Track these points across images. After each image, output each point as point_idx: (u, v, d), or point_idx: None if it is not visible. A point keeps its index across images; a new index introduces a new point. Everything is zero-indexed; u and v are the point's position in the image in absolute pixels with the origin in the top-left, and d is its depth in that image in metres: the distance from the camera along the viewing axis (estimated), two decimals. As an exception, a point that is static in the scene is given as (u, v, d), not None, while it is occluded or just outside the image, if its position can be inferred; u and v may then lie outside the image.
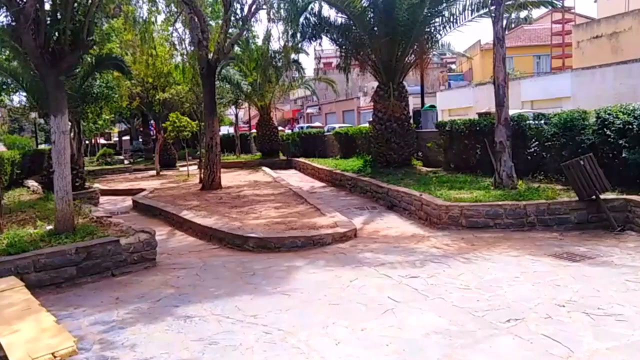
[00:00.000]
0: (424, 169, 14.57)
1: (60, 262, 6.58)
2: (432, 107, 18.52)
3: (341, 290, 5.93)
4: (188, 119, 19.56)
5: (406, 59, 14.20)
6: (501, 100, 10.06)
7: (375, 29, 13.81)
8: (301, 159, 22.37)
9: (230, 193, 14.04)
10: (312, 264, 7.15)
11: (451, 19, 13.35)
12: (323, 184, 16.94)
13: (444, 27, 13.60)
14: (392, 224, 9.76)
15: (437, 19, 13.54)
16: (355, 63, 16.05)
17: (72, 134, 26.22)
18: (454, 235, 8.42)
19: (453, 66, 54.44)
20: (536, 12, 63.12)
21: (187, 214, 10.52)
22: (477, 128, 12.76)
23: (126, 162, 34.28)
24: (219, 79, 24.27)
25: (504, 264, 6.70)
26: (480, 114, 13.79)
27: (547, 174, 11.06)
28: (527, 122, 11.56)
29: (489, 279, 6.12)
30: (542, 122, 11.24)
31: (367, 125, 25.39)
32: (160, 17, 19.27)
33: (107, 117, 33.67)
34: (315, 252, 7.74)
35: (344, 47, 15.33)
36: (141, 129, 39.59)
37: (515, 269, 6.42)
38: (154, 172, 23.67)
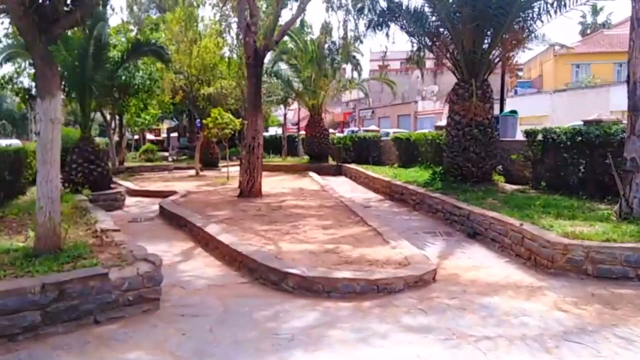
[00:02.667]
0: (507, 186, 11.98)
1: (16, 304, 4.53)
2: (514, 112, 15.80)
3: (433, 394, 3.61)
4: (231, 116, 17.63)
5: (493, 51, 11.68)
6: (638, 104, 7.45)
7: (459, 13, 11.38)
8: (353, 166, 20.08)
9: (271, 203, 11.89)
10: (379, 326, 4.84)
11: (555, 3, 10.71)
12: (379, 197, 14.59)
13: (547, 12, 10.99)
14: (480, 262, 7.32)
15: (539, 2, 10.94)
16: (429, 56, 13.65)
17: (112, 127, 25.01)
18: (578, 289, 5.93)
19: (520, 72, 50.71)
20: (616, 17, 58.57)
21: (214, 230, 8.42)
22: (583, 139, 10.16)
23: (170, 159, 33.00)
24: (268, 74, 22.36)
25: (687, 354, 4.21)
26: (587, 122, 11.13)
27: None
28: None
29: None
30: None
31: (428, 130, 22.88)
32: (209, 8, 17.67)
33: (154, 112, 32.58)
34: (381, 305, 5.42)
35: (416, 36, 12.94)
36: (188, 125, 38.41)
37: None
38: (194, 172, 22.00)
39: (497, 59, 11.98)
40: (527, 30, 11.77)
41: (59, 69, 12.81)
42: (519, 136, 15.15)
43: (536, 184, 11.54)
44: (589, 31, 52.11)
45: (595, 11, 54.39)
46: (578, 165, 10.30)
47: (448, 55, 12.34)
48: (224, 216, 10.07)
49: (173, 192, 14.45)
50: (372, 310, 5.24)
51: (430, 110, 41.96)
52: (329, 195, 13.66)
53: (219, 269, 7.17)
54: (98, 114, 24.82)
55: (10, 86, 22.23)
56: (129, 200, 14.43)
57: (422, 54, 14.15)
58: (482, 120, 11.61)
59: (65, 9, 5.78)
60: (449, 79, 47.69)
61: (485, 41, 11.53)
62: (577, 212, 8.24)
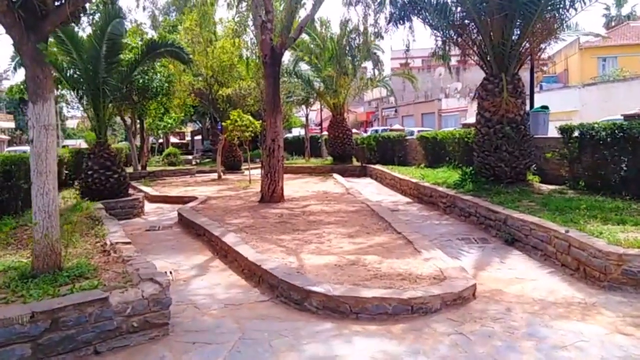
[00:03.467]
0: (543, 186, 11.19)
1: (2, 337, 4.05)
2: (545, 108, 14.93)
3: None
4: (250, 118, 17.15)
5: (524, 43, 10.91)
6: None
7: (485, 3, 10.66)
8: (378, 167, 19.42)
9: (294, 209, 11.34)
10: (415, 358, 4.22)
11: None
12: (407, 199, 13.91)
13: (581, -1, 10.21)
14: (522, 273, 6.62)
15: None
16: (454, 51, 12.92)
17: (133, 130, 24.80)
18: (639, 306, 5.21)
19: (544, 67, 49.07)
20: (641, 8, 56.61)
21: (232, 240, 7.89)
22: (624, 135, 9.36)
23: (193, 162, 32.81)
24: (288, 74, 21.86)
25: None
26: (628, 117, 10.31)
27: None
28: None
29: None
30: None
31: (453, 128, 22.07)
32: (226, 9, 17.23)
33: (176, 115, 32.38)
34: (416, 328, 4.80)
35: (440, 30, 12.24)
36: (210, 128, 38.16)
37: None
38: (216, 176, 21.62)
39: (528, 51, 11.19)
40: (558, 20, 10.97)
41: (76, 73, 12.58)
42: (551, 133, 14.37)
43: (574, 184, 10.75)
44: (613, 23, 50.40)
45: (620, 3, 52.70)
46: (620, 163, 9.50)
47: (475, 48, 11.60)
48: (244, 224, 9.54)
49: (193, 198, 14.04)
50: (406, 336, 4.63)
51: (454, 107, 40.92)
52: (354, 198, 13.06)
53: (237, 284, 6.63)
54: (118, 119, 24.71)
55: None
56: (149, 207, 14.08)
57: (446, 48, 13.38)
58: (514, 117, 10.86)
59: (56, 3, 5.29)
60: (472, 76, 46.58)
61: (515, 32, 10.78)
62: (625, 215, 7.48)
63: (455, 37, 12.05)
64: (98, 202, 11.61)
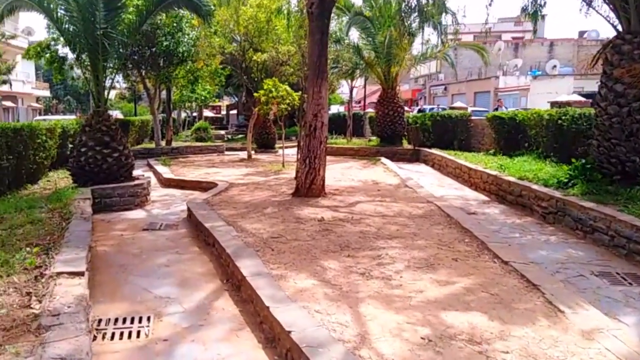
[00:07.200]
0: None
1: None
2: None
3: None
4: (288, 88, 14.30)
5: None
6: None
7: None
8: (436, 151, 16.33)
9: (338, 208, 8.48)
10: None
11: None
12: (481, 196, 10.86)
13: None
14: None
15: None
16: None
17: (156, 100, 22.27)
18: None
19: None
20: None
21: (249, 269, 5.09)
22: None
23: (225, 138, 30.34)
24: (334, 41, 18.81)
25: None
26: None
27: None
28: None
29: None
30: None
31: (514, 108, 18.73)
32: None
33: (210, 87, 29.72)
34: None
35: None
36: (245, 102, 35.54)
37: None
38: (246, 155, 19.00)
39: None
40: None
41: (72, 22, 10.06)
42: None
43: None
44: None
45: None
46: None
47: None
48: (270, 233, 6.75)
49: (213, 184, 11.42)
50: None
51: (513, 86, 36.84)
52: (414, 193, 10.16)
53: (250, 355, 3.87)
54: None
55: (47, 55, 19.92)
56: (158, 193, 11.54)
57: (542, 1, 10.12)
58: (659, 93, 7.65)
59: None
60: (532, 53, 42.16)
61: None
62: None
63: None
64: (88, 188, 9.08)
